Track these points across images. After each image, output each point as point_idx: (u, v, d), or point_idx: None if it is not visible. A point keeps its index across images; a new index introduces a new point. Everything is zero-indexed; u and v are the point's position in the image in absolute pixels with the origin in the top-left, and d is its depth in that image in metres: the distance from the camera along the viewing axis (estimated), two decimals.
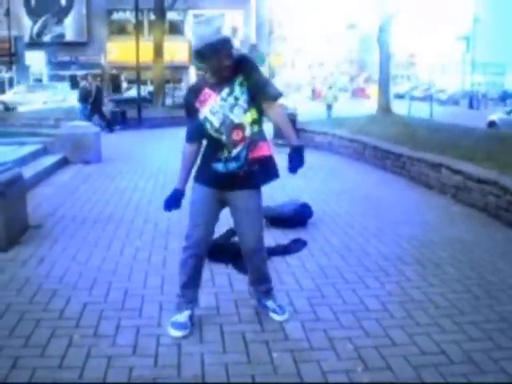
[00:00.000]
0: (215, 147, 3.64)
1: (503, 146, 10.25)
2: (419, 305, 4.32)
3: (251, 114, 3.57)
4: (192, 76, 44.29)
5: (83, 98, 18.37)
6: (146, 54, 26.09)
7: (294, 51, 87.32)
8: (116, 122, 20.84)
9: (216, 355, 3.52)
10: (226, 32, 3.50)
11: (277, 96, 3.67)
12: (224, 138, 3.57)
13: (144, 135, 18.10)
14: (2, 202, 5.59)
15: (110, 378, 3.25)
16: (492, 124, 20.66)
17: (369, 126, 15.41)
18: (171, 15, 36.42)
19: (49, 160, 10.58)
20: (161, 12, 28.16)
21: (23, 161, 9.35)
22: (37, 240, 5.96)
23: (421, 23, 71.66)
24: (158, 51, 28.08)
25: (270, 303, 4.05)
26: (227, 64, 3.49)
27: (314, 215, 6.70)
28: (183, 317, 3.83)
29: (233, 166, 3.61)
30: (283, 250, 5.56)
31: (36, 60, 43.39)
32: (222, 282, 4.73)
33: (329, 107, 29.54)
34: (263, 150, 3.65)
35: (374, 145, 11.56)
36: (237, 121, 3.55)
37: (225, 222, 4.36)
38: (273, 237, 6.04)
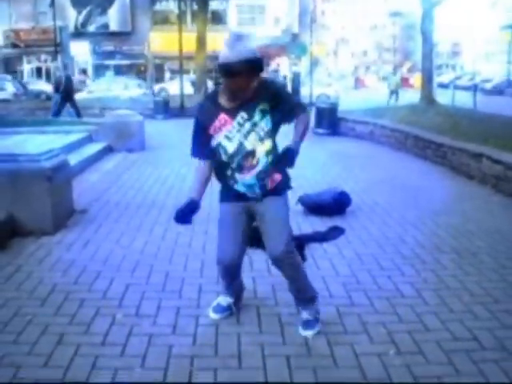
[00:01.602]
0: (224, 171, 3.52)
1: None
2: (454, 292, 4.36)
3: (267, 144, 3.43)
4: None
5: (56, 88, 18.62)
6: (189, 44, 26.30)
7: (336, 40, 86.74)
8: (158, 111, 21.13)
9: (252, 336, 3.65)
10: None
11: (304, 110, 3.56)
12: (234, 164, 3.45)
13: (186, 124, 18.14)
14: (50, 187, 5.80)
15: (151, 355, 3.40)
16: None
17: (411, 115, 15.36)
18: (214, 4, 36.59)
19: (94, 148, 10.86)
20: (203, 2, 28.31)
21: (69, 148, 9.61)
22: (82, 224, 6.17)
23: (465, 11, 70.30)
24: (201, 41, 28.23)
25: (304, 314, 3.79)
26: (251, 86, 3.28)
27: (352, 203, 6.77)
28: (225, 301, 3.94)
29: (246, 190, 3.50)
30: (321, 237, 5.64)
31: (81, 50, 44.07)
32: (261, 267, 4.85)
33: (392, 93, 29.94)
34: (277, 177, 3.52)
35: (415, 134, 11.51)
36: (249, 147, 3.40)
37: None
38: (311, 224, 6.15)
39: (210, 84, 30.05)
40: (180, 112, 21.68)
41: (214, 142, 3.46)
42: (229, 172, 3.50)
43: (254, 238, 5.19)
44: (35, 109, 22.05)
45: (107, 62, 44.82)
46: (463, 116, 15.71)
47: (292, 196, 7.19)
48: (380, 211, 6.84)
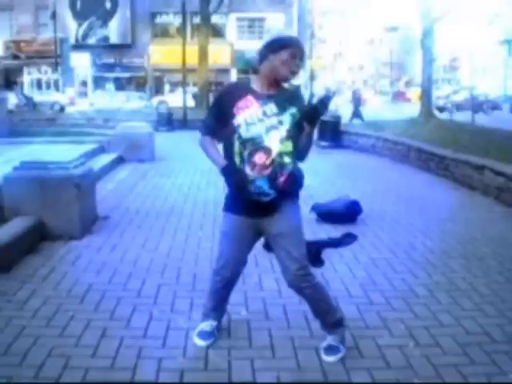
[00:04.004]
0: (233, 162, 3.29)
1: None
2: (464, 293, 4.68)
3: (286, 146, 3.22)
4: (233, 78, 44.85)
5: None
6: (190, 57, 26.66)
7: (334, 54, 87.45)
8: (162, 123, 21.40)
9: (282, 330, 3.94)
10: None
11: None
12: (245, 154, 3.22)
13: (190, 136, 18.49)
14: (78, 194, 6.10)
15: (190, 347, 3.69)
16: None
17: (412, 129, 15.71)
18: (214, 18, 37.06)
19: (106, 158, 11.18)
20: (206, 15, 28.76)
21: (84, 158, 9.89)
22: (107, 230, 6.48)
23: (464, 26, 70.92)
24: (203, 54, 28.65)
25: (328, 339, 3.65)
26: (290, 75, 3.25)
27: (362, 212, 7.08)
28: (209, 326, 3.84)
29: (255, 192, 3.25)
30: (336, 243, 5.95)
31: (81, 62, 44.56)
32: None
33: None
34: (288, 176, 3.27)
35: (417, 147, 11.87)
36: (266, 143, 3.19)
37: None
38: (325, 231, 6.46)
39: (211, 97, 30.43)
40: (183, 124, 22.03)
41: (235, 122, 3.23)
42: (238, 160, 3.25)
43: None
44: (40, 120, 22.33)
45: (107, 75, 45.31)
46: (462, 130, 16.11)
47: (304, 205, 7.54)
48: (389, 219, 7.16)
